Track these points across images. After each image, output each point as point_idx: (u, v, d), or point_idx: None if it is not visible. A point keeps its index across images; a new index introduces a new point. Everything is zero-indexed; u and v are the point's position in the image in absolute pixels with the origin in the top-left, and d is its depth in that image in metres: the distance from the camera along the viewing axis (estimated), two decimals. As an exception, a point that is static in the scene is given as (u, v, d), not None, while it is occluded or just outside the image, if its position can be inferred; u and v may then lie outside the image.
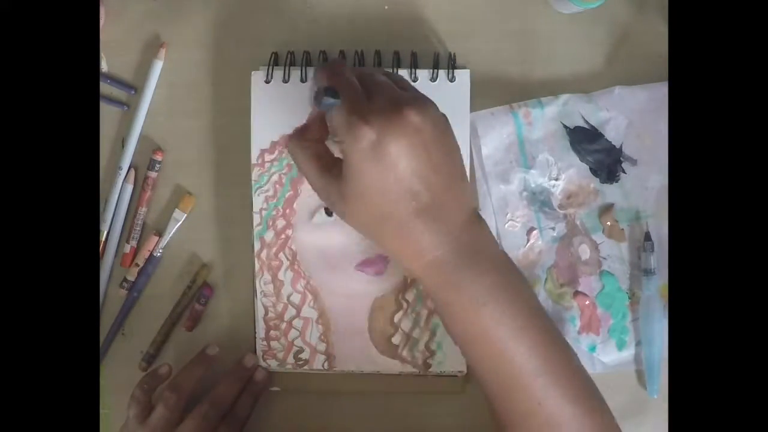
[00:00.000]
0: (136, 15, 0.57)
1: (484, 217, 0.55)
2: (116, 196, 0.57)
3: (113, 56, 0.57)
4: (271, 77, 0.55)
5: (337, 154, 0.43)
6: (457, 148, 0.43)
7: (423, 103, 0.41)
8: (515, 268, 0.45)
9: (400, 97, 0.41)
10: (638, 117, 0.55)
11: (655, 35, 0.56)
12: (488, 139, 0.55)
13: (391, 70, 0.54)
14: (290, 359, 0.56)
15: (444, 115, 0.42)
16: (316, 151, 0.44)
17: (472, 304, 0.42)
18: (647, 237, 0.55)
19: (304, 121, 0.45)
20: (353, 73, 0.43)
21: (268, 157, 0.55)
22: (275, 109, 0.54)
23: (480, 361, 0.44)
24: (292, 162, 0.54)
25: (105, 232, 0.57)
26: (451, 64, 0.54)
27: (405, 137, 0.39)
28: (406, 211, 0.40)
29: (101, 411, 0.57)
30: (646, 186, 0.56)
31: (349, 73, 0.42)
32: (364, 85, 0.42)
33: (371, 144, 0.39)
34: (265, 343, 0.56)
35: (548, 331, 0.44)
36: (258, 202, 0.55)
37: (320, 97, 0.40)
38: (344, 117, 0.40)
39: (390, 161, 0.39)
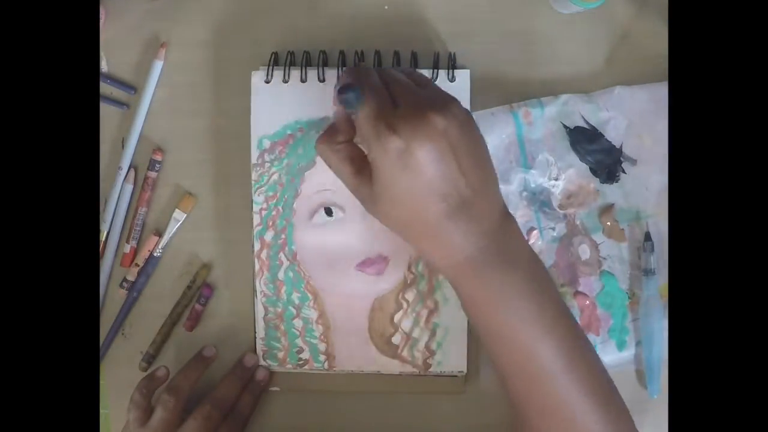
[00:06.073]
0: (136, 15, 0.57)
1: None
2: (116, 196, 0.57)
3: (113, 56, 0.57)
4: (271, 77, 0.55)
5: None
6: (483, 145, 0.43)
7: (447, 104, 0.41)
8: (543, 268, 0.45)
9: (424, 102, 0.41)
10: (638, 117, 0.55)
11: (655, 35, 0.56)
12: (488, 139, 0.55)
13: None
14: (290, 359, 0.56)
15: (467, 111, 0.42)
16: (348, 153, 0.44)
17: (501, 302, 0.42)
18: (647, 237, 0.55)
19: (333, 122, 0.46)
20: (377, 74, 0.43)
21: (268, 157, 0.55)
22: (275, 109, 0.54)
23: (505, 358, 0.44)
24: (292, 162, 0.55)
25: (105, 232, 0.57)
26: (451, 64, 0.54)
27: (432, 142, 0.39)
28: (436, 214, 0.41)
29: (101, 411, 0.57)
30: (646, 186, 0.56)
31: (374, 76, 0.43)
32: (387, 89, 0.42)
33: (399, 152, 0.39)
34: (265, 343, 0.56)
35: (573, 332, 0.44)
36: (258, 202, 0.55)
37: (342, 93, 0.40)
38: (371, 124, 0.40)
39: (419, 168, 0.39)
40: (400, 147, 0.39)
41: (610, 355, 0.56)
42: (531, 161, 0.55)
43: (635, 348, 0.56)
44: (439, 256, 0.43)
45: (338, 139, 0.44)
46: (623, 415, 0.45)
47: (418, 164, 0.39)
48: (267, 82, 0.55)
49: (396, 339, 0.55)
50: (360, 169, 0.43)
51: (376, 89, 0.41)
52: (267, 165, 0.55)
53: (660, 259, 0.55)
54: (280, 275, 0.55)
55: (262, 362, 0.56)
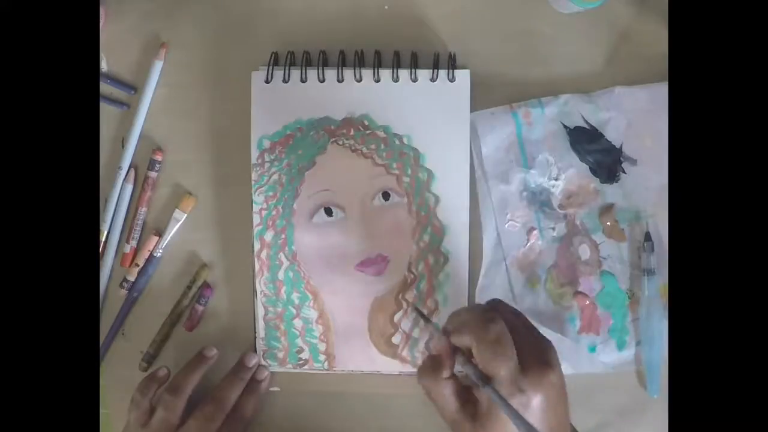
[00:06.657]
0: (136, 15, 0.57)
1: (484, 216, 0.56)
2: (116, 196, 0.57)
3: (113, 56, 0.57)
4: (271, 77, 0.55)
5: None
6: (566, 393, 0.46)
7: (554, 356, 0.44)
8: None
9: (543, 358, 0.44)
10: (638, 117, 0.55)
11: (655, 35, 0.56)
12: (488, 139, 0.55)
13: (391, 71, 0.54)
14: (290, 359, 0.56)
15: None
16: (455, 388, 0.46)
17: None
18: (647, 237, 0.55)
19: (433, 354, 0.47)
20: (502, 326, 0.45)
21: (268, 157, 0.55)
22: (275, 109, 0.54)
23: None
24: (292, 163, 0.55)
25: (105, 232, 0.57)
26: (451, 64, 0.54)
27: (546, 396, 0.42)
28: None
29: (101, 411, 0.57)
30: (646, 186, 0.56)
31: (510, 349, 0.44)
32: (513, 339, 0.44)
33: (520, 405, 0.42)
34: (265, 343, 0.56)
35: None
36: (258, 202, 0.55)
37: (485, 386, 0.42)
38: (507, 388, 0.42)
39: (529, 413, 0.42)
40: (523, 401, 0.42)
41: (610, 355, 0.56)
42: (531, 161, 0.55)
43: (635, 348, 0.56)
44: None
45: (444, 374, 0.45)
46: None
47: (531, 412, 0.42)
48: (267, 82, 0.55)
49: (396, 339, 0.55)
50: (463, 404, 0.45)
51: (511, 357, 0.43)
52: (267, 165, 0.55)
53: (660, 259, 0.55)
54: (280, 275, 0.55)
55: (262, 362, 0.56)
